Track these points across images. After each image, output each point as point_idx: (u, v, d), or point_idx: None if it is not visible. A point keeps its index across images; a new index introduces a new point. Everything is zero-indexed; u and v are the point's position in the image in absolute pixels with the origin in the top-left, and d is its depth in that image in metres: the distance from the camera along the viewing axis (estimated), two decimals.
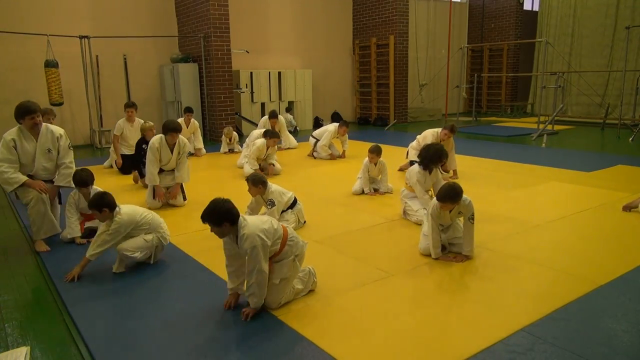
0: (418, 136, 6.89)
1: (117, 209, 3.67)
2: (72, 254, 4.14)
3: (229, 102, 10.80)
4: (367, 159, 5.83)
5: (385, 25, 13.37)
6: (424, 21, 15.27)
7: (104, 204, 3.60)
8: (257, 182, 4.43)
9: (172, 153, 5.53)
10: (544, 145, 9.43)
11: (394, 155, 7.56)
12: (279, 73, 12.25)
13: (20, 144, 4.25)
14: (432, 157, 4.72)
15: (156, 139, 5.50)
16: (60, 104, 9.47)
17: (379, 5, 13.45)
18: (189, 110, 8.79)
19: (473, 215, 3.77)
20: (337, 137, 8.24)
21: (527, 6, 17.13)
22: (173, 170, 5.64)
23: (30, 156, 4.28)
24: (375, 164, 5.82)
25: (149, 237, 3.79)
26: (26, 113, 4.30)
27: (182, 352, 2.63)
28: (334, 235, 4.43)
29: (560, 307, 3.01)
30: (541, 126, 10.93)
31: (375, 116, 14.14)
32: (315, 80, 13.14)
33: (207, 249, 4.11)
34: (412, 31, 14.07)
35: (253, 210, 4.61)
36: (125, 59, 10.77)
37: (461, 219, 3.92)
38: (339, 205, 5.50)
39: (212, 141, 10.62)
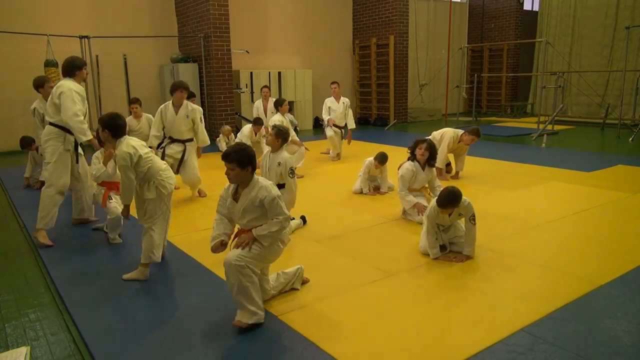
0: (434, 132, 6.67)
1: (121, 139, 3.44)
2: (73, 255, 4.14)
3: (229, 102, 10.80)
4: (369, 158, 5.83)
5: (385, 25, 13.37)
6: (424, 21, 15.27)
7: (108, 124, 3.39)
8: (281, 134, 4.26)
9: (176, 114, 5.53)
10: (544, 145, 9.43)
11: (394, 156, 7.54)
12: (279, 73, 12.24)
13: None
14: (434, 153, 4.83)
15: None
16: None
17: (379, 5, 13.45)
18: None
19: (474, 215, 3.77)
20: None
21: (527, 6, 17.13)
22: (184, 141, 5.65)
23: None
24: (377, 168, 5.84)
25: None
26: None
27: (182, 351, 2.63)
28: (334, 235, 4.43)
29: (560, 307, 3.02)
30: (541, 126, 10.94)
31: (375, 116, 14.14)
32: (315, 80, 13.13)
33: (207, 249, 4.11)
34: (412, 31, 14.06)
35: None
36: (125, 59, 10.77)
37: (462, 220, 3.92)
38: (339, 205, 5.50)
39: (212, 141, 10.60)
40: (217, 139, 8.80)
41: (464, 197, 3.73)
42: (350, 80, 14.61)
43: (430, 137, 6.63)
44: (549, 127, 10.94)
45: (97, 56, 10.30)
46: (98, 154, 4.34)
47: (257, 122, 7.80)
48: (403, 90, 13.78)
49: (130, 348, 2.68)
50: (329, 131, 8.14)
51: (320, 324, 2.88)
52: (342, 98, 8.33)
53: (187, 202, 5.75)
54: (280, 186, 4.20)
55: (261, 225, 2.84)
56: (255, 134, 7.73)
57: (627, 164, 7.38)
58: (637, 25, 12.13)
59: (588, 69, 14.16)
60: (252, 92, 11.80)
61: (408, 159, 4.88)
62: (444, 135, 6.50)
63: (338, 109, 8.24)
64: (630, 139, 9.81)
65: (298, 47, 13.20)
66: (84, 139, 4.30)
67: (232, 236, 3.02)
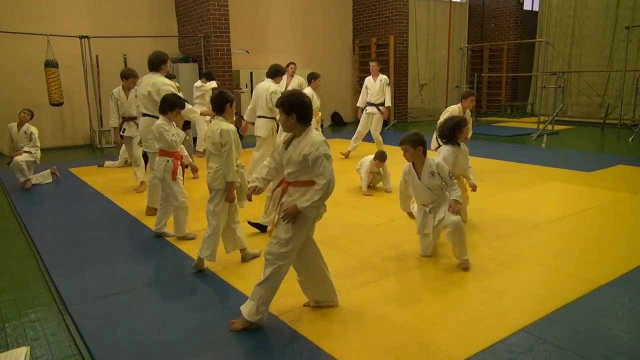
0: (442, 116, 6.65)
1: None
2: (73, 255, 4.15)
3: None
4: (367, 157, 5.83)
5: (385, 25, 13.37)
6: (424, 21, 15.26)
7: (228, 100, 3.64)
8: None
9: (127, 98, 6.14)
10: (544, 145, 9.43)
11: (395, 156, 7.54)
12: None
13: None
14: (454, 127, 4.36)
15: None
16: (60, 104, 9.48)
17: (379, 5, 13.45)
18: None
19: (451, 175, 3.69)
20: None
21: (527, 6, 17.12)
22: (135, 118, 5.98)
23: None
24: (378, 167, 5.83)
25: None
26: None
27: (182, 351, 2.63)
28: (334, 235, 4.43)
29: (560, 307, 3.02)
30: (541, 126, 10.93)
31: None
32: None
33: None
34: (412, 31, 14.06)
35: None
36: (125, 59, 10.77)
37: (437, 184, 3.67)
38: (339, 204, 5.49)
39: None
40: None
41: (433, 157, 3.73)
42: (350, 80, 14.60)
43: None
44: (549, 127, 10.94)
45: (97, 56, 10.30)
46: (166, 124, 4.22)
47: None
48: (403, 90, 13.77)
49: (130, 348, 2.68)
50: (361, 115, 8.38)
51: (320, 324, 2.88)
52: (380, 75, 8.51)
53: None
54: None
55: (300, 179, 2.74)
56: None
57: (627, 164, 7.38)
58: (637, 25, 12.13)
59: (588, 69, 14.15)
60: (252, 92, 11.78)
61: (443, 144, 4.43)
62: (448, 110, 6.43)
63: (374, 86, 8.45)
64: (630, 139, 9.81)
65: (298, 47, 13.18)
66: (191, 115, 5.03)
67: (275, 187, 2.96)
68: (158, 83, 4.88)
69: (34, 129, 6.63)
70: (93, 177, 7.19)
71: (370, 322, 2.89)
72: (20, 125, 6.57)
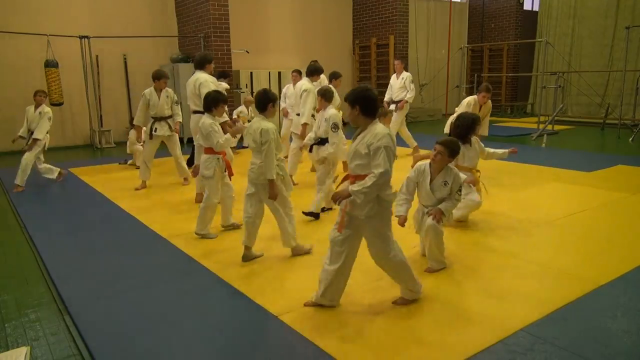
0: (456, 108, 6.79)
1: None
2: (73, 255, 4.15)
3: (228, 102, 10.79)
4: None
5: (385, 25, 13.36)
6: (424, 21, 15.26)
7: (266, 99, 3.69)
8: (326, 94, 4.93)
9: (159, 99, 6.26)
10: (544, 145, 9.43)
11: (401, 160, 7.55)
12: (279, 73, 12.23)
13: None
14: (468, 126, 4.46)
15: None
16: (60, 104, 9.48)
17: (379, 5, 13.44)
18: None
19: (461, 188, 3.61)
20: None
21: (527, 6, 17.11)
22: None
23: None
24: None
25: None
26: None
27: (182, 351, 2.63)
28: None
29: (560, 307, 3.02)
30: (541, 126, 10.93)
31: None
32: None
33: (208, 249, 4.12)
34: (412, 31, 14.06)
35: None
36: (125, 59, 10.77)
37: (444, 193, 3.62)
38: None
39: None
40: (239, 108, 9.35)
41: (455, 168, 3.62)
42: (350, 80, 14.59)
43: (454, 114, 6.49)
44: (549, 127, 10.93)
45: (97, 56, 10.30)
46: (215, 124, 4.32)
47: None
48: None
49: (130, 348, 2.68)
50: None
51: (320, 324, 2.88)
52: (403, 73, 8.63)
53: (188, 201, 5.75)
54: (325, 140, 4.86)
55: (366, 173, 2.76)
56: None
57: (627, 164, 7.38)
58: (637, 25, 12.12)
59: (588, 69, 14.15)
60: (252, 92, 11.79)
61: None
62: (463, 105, 6.54)
63: (396, 84, 8.58)
64: (630, 139, 9.81)
65: (298, 47, 13.18)
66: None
67: (340, 179, 3.09)
68: (201, 79, 5.30)
69: (48, 109, 6.75)
70: (93, 177, 7.19)
71: (370, 322, 2.89)
72: (36, 107, 6.69)
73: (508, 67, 16.58)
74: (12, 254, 4.26)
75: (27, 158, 6.50)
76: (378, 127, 2.79)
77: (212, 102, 4.31)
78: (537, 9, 16.54)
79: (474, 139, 4.65)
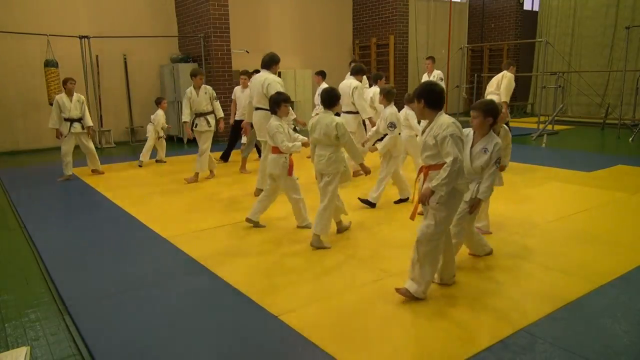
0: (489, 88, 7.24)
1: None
2: (74, 256, 4.14)
3: (228, 102, 10.77)
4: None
5: (385, 25, 13.37)
6: (424, 21, 15.26)
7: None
8: (389, 94, 5.41)
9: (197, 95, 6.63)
10: (544, 145, 9.43)
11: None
12: (279, 73, 12.17)
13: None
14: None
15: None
16: None
17: (379, 5, 13.45)
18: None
19: (499, 160, 3.43)
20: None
21: (527, 6, 17.12)
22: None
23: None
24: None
25: None
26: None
27: (182, 351, 2.63)
28: (334, 234, 4.43)
29: (560, 307, 3.02)
30: (541, 126, 10.93)
31: None
32: (315, 80, 13.13)
33: (208, 250, 4.12)
34: (412, 31, 14.06)
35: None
36: (125, 59, 10.77)
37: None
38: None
39: (215, 141, 10.62)
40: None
41: (496, 137, 3.43)
42: None
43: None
44: (549, 127, 10.93)
45: (97, 56, 10.30)
46: (280, 126, 4.40)
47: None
48: (403, 90, 13.73)
49: (130, 348, 2.68)
50: None
51: (320, 324, 2.88)
52: (434, 71, 9.01)
53: (188, 202, 5.75)
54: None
55: (437, 162, 2.98)
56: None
57: (627, 164, 7.38)
58: (637, 25, 12.13)
59: (588, 69, 14.15)
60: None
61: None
62: (503, 78, 6.87)
63: None
64: (630, 139, 9.81)
65: (298, 47, 13.19)
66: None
67: (417, 173, 3.27)
68: (269, 79, 5.53)
69: (83, 97, 7.12)
70: (93, 177, 7.19)
71: (370, 322, 2.89)
72: (69, 95, 6.94)
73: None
74: (12, 253, 4.26)
75: (89, 146, 7.16)
76: (443, 118, 2.99)
77: (275, 104, 4.46)
78: (537, 9, 16.54)
79: (504, 129, 4.36)
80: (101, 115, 10.44)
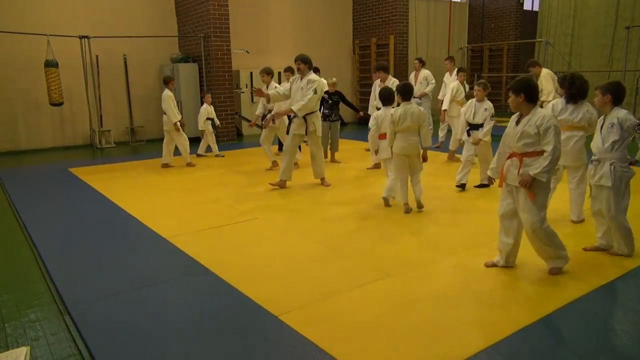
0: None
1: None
2: (73, 256, 4.14)
3: (229, 102, 10.80)
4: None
5: (385, 25, 13.37)
6: (424, 21, 15.25)
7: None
8: (486, 86, 6.50)
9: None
10: None
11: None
12: (279, 73, 12.23)
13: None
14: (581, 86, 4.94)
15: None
16: (60, 104, 9.48)
17: (379, 5, 13.45)
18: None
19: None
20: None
21: (527, 6, 17.12)
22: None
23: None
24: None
25: None
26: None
27: (182, 351, 2.63)
28: (334, 235, 4.43)
29: (559, 308, 3.01)
30: None
31: None
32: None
33: (208, 250, 4.12)
34: (412, 31, 14.06)
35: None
36: (125, 59, 10.77)
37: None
38: (339, 204, 5.50)
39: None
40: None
41: (543, 110, 3.39)
42: (350, 80, 14.60)
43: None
44: None
45: (97, 56, 10.29)
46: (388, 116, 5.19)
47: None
48: None
49: (130, 348, 2.68)
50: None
51: (320, 324, 2.88)
52: (455, 70, 9.46)
53: (189, 202, 5.75)
54: (480, 126, 6.45)
55: (534, 150, 3.22)
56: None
57: None
58: (637, 25, 12.13)
59: (588, 69, 14.15)
60: (252, 92, 11.79)
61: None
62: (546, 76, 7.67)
63: (450, 81, 9.49)
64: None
65: (298, 47, 13.11)
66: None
67: (505, 159, 3.52)
68: (314, 79, 6.14)
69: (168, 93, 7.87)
70: (93, 177, 7.19)
71: (370, 322, 2.89)
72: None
73: (508, 67, 16.58)
74: (12, 253, 4.26)
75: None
76: (544, 111, 3.28)
77: (390, 97, 5.59)
78: (537, 9, 16.54)
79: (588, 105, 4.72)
80: (101, 115, 10.44)
